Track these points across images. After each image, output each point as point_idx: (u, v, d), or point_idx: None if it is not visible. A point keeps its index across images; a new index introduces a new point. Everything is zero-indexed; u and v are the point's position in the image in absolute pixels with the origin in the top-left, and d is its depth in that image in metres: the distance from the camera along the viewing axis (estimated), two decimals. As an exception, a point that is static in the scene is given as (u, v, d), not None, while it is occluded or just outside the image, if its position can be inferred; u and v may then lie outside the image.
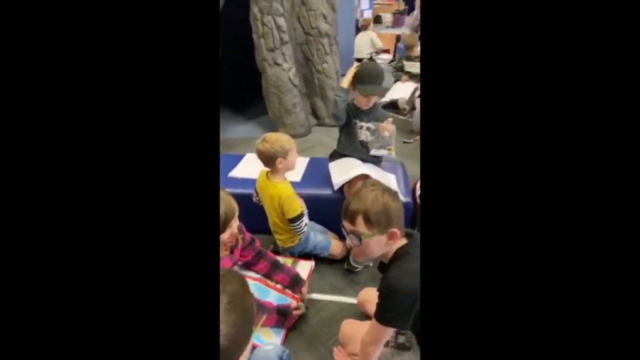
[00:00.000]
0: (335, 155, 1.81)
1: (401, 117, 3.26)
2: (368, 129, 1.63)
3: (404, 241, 0.93)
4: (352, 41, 4.50)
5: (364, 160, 1.72)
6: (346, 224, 0.92)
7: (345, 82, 1.58)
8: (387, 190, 0.92)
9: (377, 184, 0.95)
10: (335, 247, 1.63)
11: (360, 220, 0.88)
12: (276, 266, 1.44)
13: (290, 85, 2.96)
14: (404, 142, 2.98)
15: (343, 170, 1.64)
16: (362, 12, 5.05)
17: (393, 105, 3.35)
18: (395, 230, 0.88)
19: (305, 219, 1.54)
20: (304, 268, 1.56)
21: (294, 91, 3.01)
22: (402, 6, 8.94)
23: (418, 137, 2.97)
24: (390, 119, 1.51)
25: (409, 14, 6.41)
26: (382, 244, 0.90)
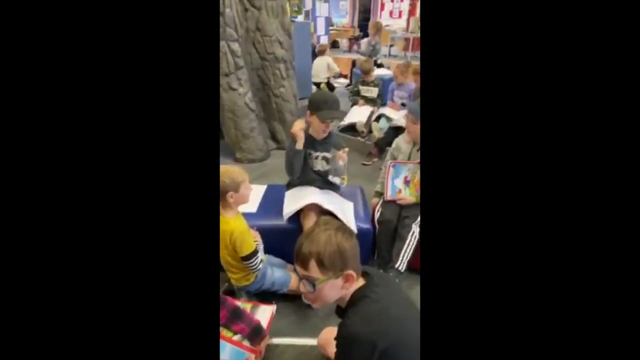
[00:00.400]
0: (291, 184, 1.75)
1: (360, 139, 3.30)
2: (324, 158, 1.60)
3: (361, 282, 0.88)
4: (309, 65, 4.58)
5: (321, 188, 1.67)
6: (298, 269, 0.85)
7: (297, 128, 1.52)
8: (340, 228, 0.86)
9: (329, 222, 0.89)
10: (295, 281, 1.54)
11: (313, 265, 0.82)
12: (236, 315, 1.31)
13: (246, 110, 2.90)
14: (363, 164, 3.01)
15: (296, 200, 1.59)
16: (318, 37, 5.18)
17: (351, 129, 3.39)
18: (351, 272, 0.83)
19: (261, 255, 1.44)
20: (265, 314, 1.43)
21: (250, 115, 2.94)
22: (357, 32, 9.38)
23: (376, 159, 3.01)
24: (346, 149, 1.50)
25: (363, 39, 6.69)
26: (337, 288, 0.84)
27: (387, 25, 9.70)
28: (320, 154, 1.60)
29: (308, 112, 1.55)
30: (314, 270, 0.82)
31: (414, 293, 1.58)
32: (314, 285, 0.82)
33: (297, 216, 1.58)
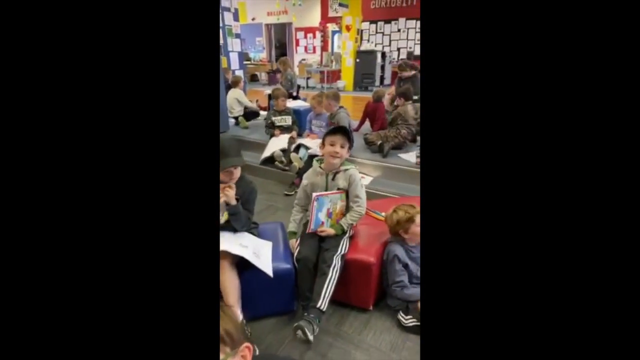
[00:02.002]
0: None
1: (280, 170, 3.24)
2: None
3: None
4: (224, 100, 4.46)
5: (235, 231, 1.53)
6: None
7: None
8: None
9: None
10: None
11: None
12: None
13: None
14: (285, 194, 2.94)
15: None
16: (233, 71, 5.13)
17: (271, 160, 3.32)
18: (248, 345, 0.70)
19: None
20: None
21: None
22: (275, 66, 9.64)
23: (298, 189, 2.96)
24: (230, 184, 1.45)
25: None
26: None
27: (304, 59, 10.21)
28: None
29: None
30: None
31: (345, 327, 1.50)
32: None
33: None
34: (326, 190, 1.65)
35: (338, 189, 1.64)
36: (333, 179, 1.65)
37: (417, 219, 1.49)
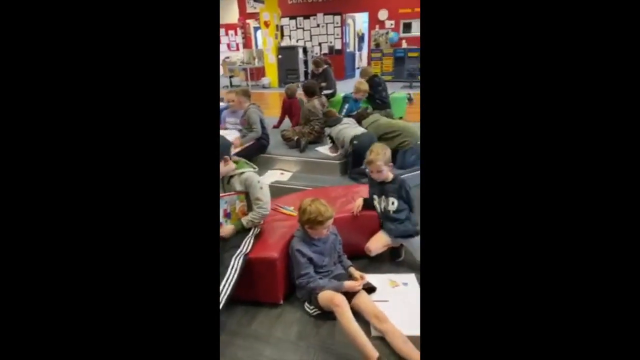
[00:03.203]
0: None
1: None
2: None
3: None
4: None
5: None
6: None
7: None
8: None
9: None
10: None
11: None
12: None
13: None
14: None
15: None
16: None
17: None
18: None
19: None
20: None
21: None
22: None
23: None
24: None
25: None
26: None
27: (227, 57, 9.85)
28: None
29: None
30: None
31: (255, 325, 1.50)
32: None
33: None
34: (223, 192, 1.63)
35: (236, 191, 1.62)
36: (228, 182, 1.63)
37: (328, 223, 1.53)
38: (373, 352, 1.22)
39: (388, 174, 1.80)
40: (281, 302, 1.62)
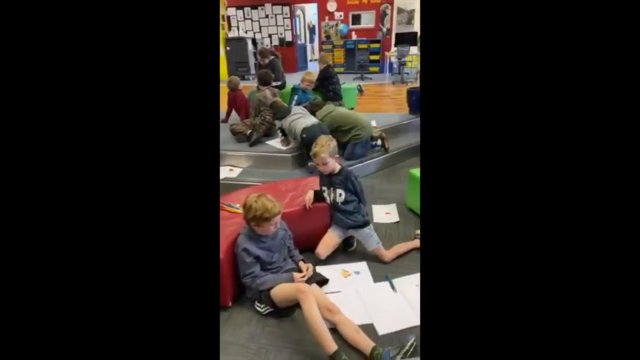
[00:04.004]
0: None
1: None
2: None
3: None
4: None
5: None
6: None
7: None
8: None
9: None
10: None
11: None
12: None
13: None
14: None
15: None
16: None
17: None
18: None
19: None
20: None
21: None
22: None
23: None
24: None
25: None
26: None
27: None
28: None
29: None
30: None
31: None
32: None
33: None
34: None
35: None
36: None
37: (275, 219, 1.47)
38: (332, 345, 1.20)
39: (335, 165, 1.79)
40: (229, 304, 1.55)
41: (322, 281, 1.64)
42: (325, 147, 1.72)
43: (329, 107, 3.02)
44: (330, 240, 1.82)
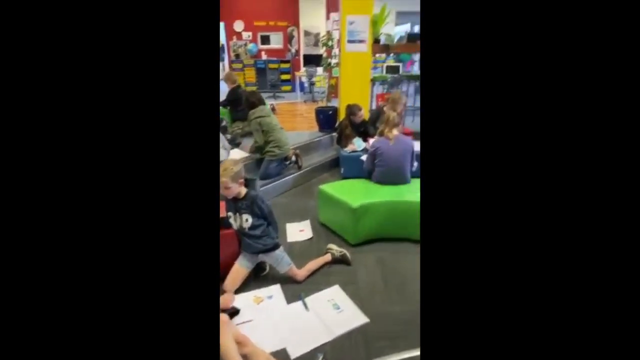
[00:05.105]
0: None
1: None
2: None
3: None
4: None
5: None
6: None
7: None
8: None
9: None
10: None
11: None
12: None
13: None
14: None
15: None
16: None
17: None
18: None
19: None
20: None
21: None
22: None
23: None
24: None
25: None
26: None
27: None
28: None
29: None
30: None
31: None
32: None
33: None
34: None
35: None
36: None
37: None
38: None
39: (240, 189, 1.75)
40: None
41: (233, 313, 1.56)
42: (228, 171, 1.66)
43: (265, 111, 3.00)
44: (238, 274, 1.76)
